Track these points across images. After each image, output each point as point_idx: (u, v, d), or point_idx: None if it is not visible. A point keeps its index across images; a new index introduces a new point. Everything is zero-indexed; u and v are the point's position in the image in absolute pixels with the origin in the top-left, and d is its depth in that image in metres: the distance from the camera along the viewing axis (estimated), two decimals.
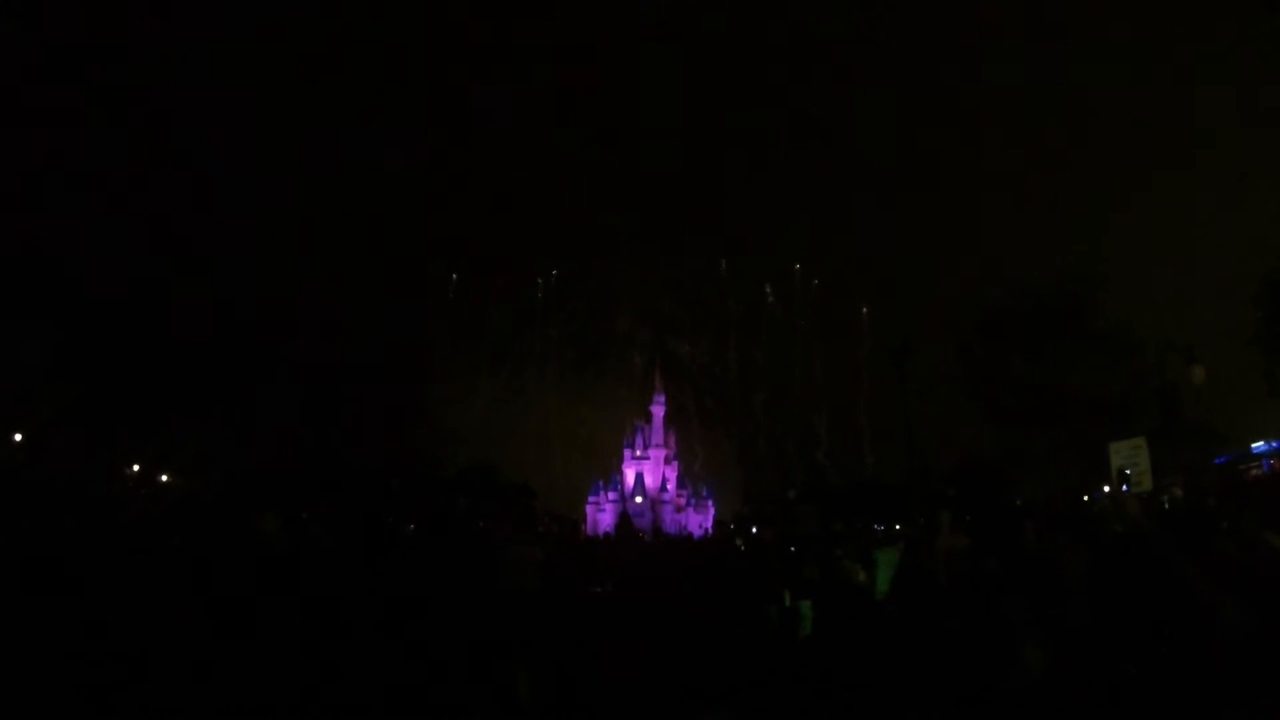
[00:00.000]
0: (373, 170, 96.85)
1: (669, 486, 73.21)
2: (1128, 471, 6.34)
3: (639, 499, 70.60)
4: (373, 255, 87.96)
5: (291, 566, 6.74)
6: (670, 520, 65.51)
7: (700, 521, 67.40)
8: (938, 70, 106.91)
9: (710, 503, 72.80)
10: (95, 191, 71.39)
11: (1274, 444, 36.90)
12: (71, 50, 70.78)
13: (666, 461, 74.74)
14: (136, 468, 44.05)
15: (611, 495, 71.54)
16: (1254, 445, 37.84)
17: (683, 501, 72.84)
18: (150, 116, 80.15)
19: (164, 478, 43.36)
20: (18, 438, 39.20)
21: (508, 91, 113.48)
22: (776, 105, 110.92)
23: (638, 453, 74.80)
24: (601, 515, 67.68)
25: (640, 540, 12.95)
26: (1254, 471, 32.28)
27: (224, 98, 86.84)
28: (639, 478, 73.25)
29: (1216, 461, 34.98)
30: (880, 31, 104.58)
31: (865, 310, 78.86)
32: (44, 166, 66.25)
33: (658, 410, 76.60)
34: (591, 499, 71.50)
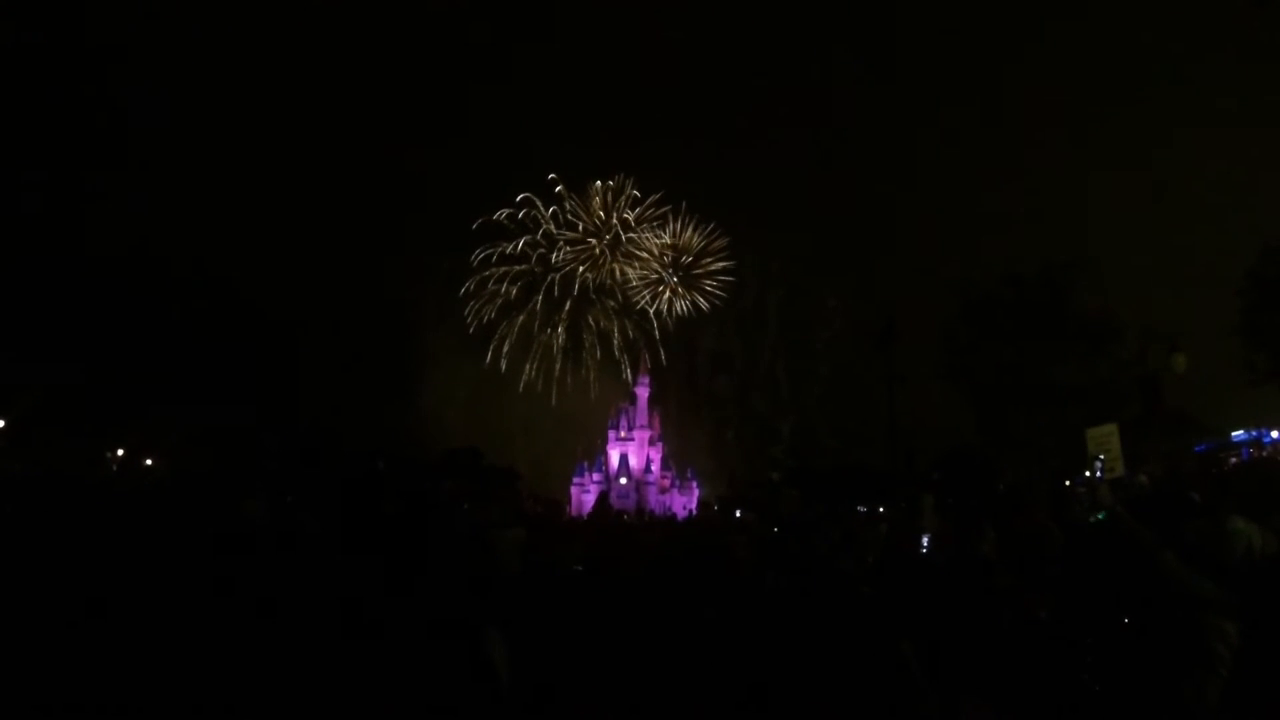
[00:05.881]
0: (362, 156, 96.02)
1: (653, 468, 73.37)
2: (1101, 457, 6.42)
3: (623, 480, 70.79)
4: (357, 235, 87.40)
5: (278, 549, 6.78)
6: (655, 501, 65.68)
7: (684, 503, 67.57)
8: (924, 56, 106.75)
9: (694, 484, 72.97)
10: (73, 171, 70.68)
11: (1253, 433, 37.28)
12: None
13: (651, 443, 74.82)
14: (120, 451, 43.90)
15: (596, 476, 71.63)
16: (1234, 434, 38.20)
17: (667, 483, 73.00)
18: (144, 109, 79.48)
19: (148, 461, 43.23)
20: (0, 424, 39.12)
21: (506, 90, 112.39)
22: (766, 93, 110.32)
23: (622, 434, 74.87)
24: (586, 496, 67.71)
25: (619, 520, 12.98)
26: (1232, 460, 32.59)
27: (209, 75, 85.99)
28: (623, 459, 73.41)
29: (1197, 450, 35.31)
30: (874, 30, 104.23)
31: (833, 300, 78.72)
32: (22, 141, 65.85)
33: (642, 392, 76.61)
34: (576, 480, 71.57)
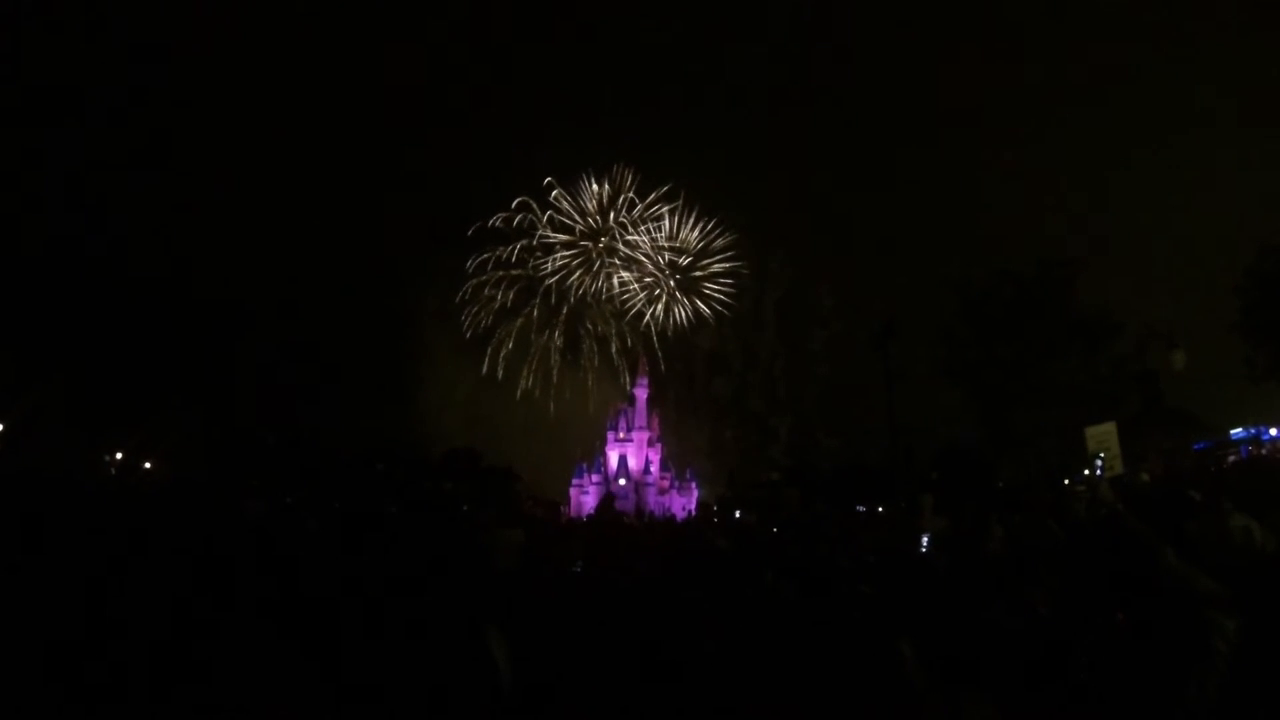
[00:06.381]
0: (361, 159, 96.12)
1: (652, 469, 73.27)
2: (1102, 455, 6.45)
3: (622, 481, 70.66)
4: (356, 239, 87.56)
5: (277, 550, 6.79)
6: (654, 502, 65.58)
7: (684, 504, 67.57)
8: (921, 53, 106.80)
9: (694, 485, 72.93)
10: (70, 176, 70.74)
11: (1252, 430, 37.30)
12: None
13: (650, 444, 74.70)
14: (120, 455, 43.89)
15: (595, 478, 71.59)
16: (1232, 432, 38.24)
17: (666, 484, 72.89)
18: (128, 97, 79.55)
19: (147, 465, 43.24)
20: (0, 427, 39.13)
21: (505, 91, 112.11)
22: (765, 92, 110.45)
23: (621, 435, 74.73)
24: (585, 498, 67.77)
25: (622, 521, 12.98)
26: (1231, 458, 32.61)
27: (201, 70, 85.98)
28: (622, 460, 73.27)
29: (1195, 447, 35.34)
30: (875, 23, 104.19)
31: (831, 300, 78.56)
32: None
33: (641, 393, 76.45)
34: (575, 481, 71.52)
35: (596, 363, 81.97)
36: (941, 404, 46.34)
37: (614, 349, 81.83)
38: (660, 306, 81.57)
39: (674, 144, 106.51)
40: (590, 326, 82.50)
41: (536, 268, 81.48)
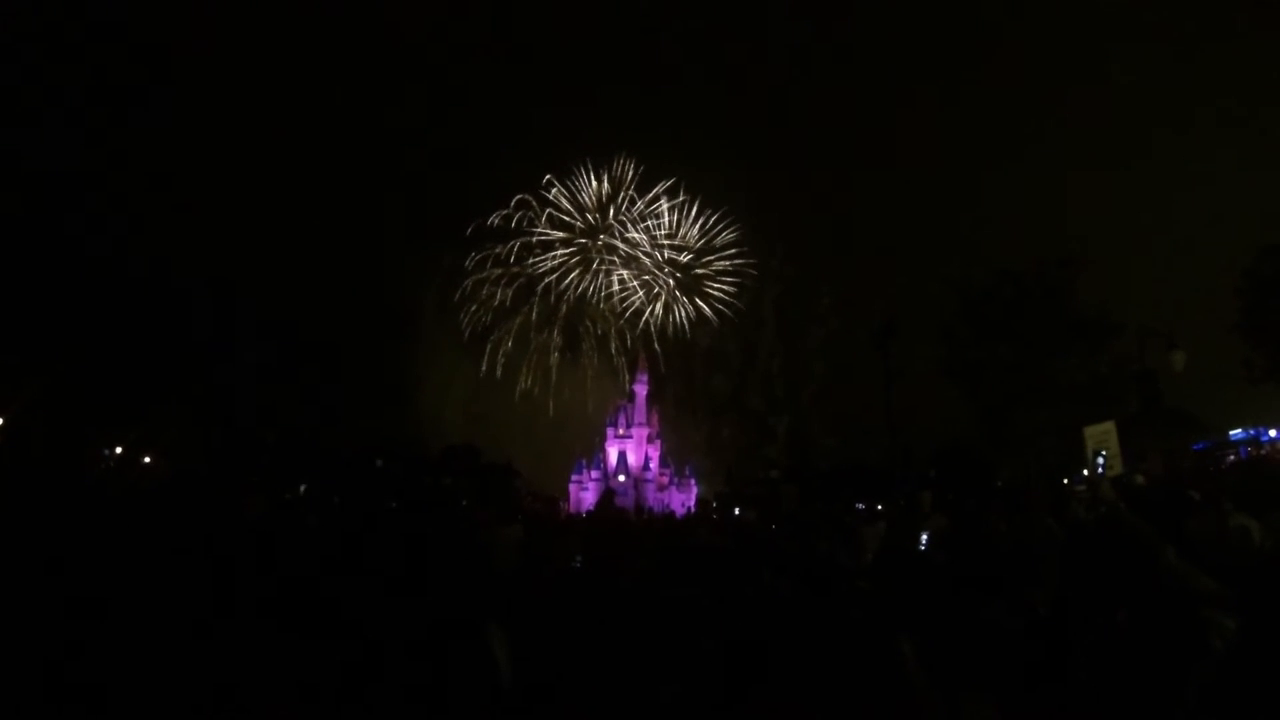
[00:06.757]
0: (361, 156, 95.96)
1: (651, 465, 73.21)
2: (1103, 454, 6.46)
3: (621, 478, 70.56)
4: (356, 235, 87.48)
5: (278, 546, 6.79)
6: (653, 499, 65.50)
7: (683, 500, 67.54)
8: (921, 53, 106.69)
9: (693, 481, 72.87)
10: (65, 166, 70.64)
11: (1251, 431, 37.34)
12: None
13: (649, 440, 74.62)
14: (120, 449, 43.84)
15: (594, 474, 71.53)
16: (1231, 433, 38.30)
17: (665, 480, 72.84)
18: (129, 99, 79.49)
19: (147, 460, 43.19)
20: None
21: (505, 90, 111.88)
22: (766, 92, 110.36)
23: (620, 431, 74.64)
24: (585, 494, 67.71)
25: (621, 516, 12.96)
26: (1230, 458, 32.65)
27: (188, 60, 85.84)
28: (621, 456, 73.18)
29: (1195, 448, 35.35)
30: (876, 22, 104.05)
31: (828, 297, 78.48)
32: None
33: (640, 389, 76.37)
34: (575, 478, 71.45)
35: (595, 360, 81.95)
36: (941, 404, 46.43)
37: (613, 347, 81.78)
38: (659, 305, 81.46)
39: (674, 142, 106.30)
40: (589, 324, 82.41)
41: (535, 265, 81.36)
